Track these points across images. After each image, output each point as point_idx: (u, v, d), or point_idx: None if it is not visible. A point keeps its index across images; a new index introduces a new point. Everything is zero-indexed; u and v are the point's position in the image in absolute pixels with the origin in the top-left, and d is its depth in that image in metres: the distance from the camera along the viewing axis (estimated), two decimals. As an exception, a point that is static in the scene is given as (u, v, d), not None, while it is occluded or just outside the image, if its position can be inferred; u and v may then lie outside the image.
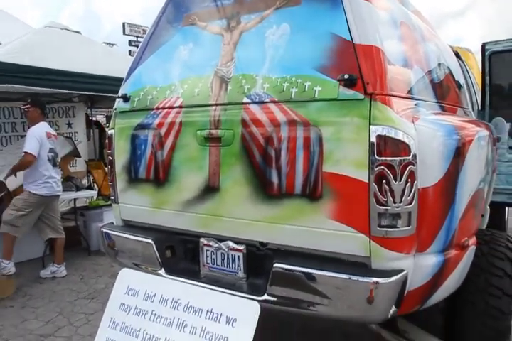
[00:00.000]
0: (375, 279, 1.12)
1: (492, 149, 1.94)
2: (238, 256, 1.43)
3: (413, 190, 1.13)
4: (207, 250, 1.52)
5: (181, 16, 1.69)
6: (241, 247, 1.42)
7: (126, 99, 1.74)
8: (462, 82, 2.49)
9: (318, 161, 1.21)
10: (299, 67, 1.29)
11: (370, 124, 1.12)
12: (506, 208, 3.59)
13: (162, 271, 1.57)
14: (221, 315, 1.21)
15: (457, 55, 3.14)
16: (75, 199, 3.82)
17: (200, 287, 1.37)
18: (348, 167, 1.18)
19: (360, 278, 1.14)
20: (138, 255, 1.67)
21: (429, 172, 1.21)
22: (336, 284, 1.17)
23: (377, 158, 1.11)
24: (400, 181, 1.11)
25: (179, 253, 1.65)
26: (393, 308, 1.18)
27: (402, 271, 1.14)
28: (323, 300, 1.20)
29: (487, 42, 3.22)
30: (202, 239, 1.52)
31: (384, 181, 1.12)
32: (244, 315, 1.18)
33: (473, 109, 2.64)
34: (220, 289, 1.36)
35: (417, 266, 1.22)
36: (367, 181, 1.13)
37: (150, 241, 1.59)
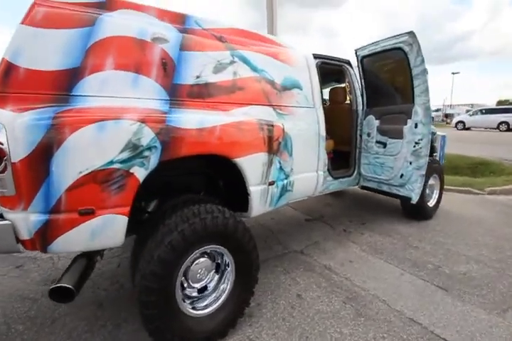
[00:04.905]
0: None
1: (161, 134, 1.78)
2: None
3: (3, 163, 1.48)
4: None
5: None
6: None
7: None
8: (289, 85, 2.73)
9: None
10: None
11: None
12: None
13: None
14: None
15: (348, 63, 3.55)
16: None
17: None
18: None
19: None
20: None
21: (17, 151, 1.49)
22: None
23: None
24: None
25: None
26: (17, 245, 1.57)
27: (6, 220, 1.53)
28: None
29: (357, 48, 3.36)
30: None
31: None
32: None
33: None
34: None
35: (23, 220, 1.55)
36: None
37: None
